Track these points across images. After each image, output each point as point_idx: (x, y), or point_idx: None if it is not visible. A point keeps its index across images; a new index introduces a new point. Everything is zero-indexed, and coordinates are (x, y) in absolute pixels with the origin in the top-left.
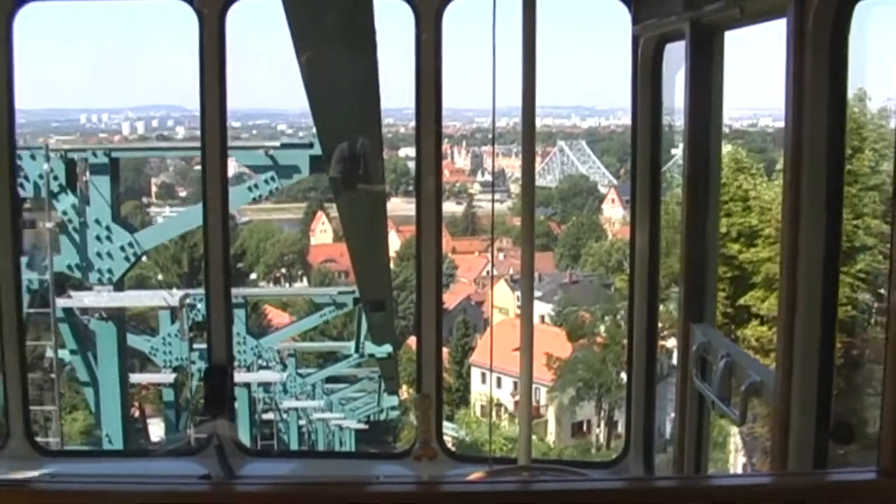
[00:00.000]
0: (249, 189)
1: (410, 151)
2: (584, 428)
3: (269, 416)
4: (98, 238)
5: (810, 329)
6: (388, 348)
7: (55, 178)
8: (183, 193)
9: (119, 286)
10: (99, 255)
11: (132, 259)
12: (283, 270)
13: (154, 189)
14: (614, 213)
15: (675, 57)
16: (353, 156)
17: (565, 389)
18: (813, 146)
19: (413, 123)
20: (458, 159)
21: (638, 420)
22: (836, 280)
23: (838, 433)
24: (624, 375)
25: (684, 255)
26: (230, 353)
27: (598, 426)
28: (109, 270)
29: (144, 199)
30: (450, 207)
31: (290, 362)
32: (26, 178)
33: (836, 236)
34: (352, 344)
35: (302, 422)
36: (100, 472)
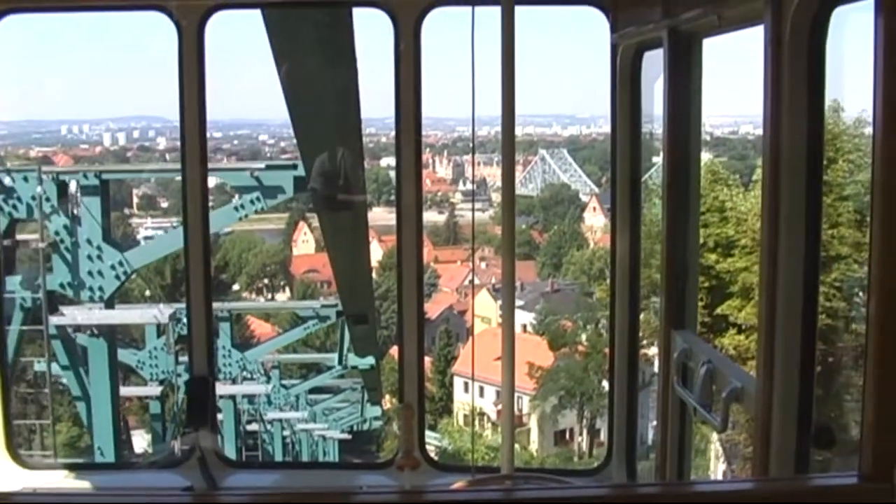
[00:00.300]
0: (236, 209)
1: (392, 161)
2: (567, 436)
3: (254, 427)
4: (89, 257)
5: (791, 335)
6: (370, 360)
7: (47, 199)
8: (164, 204)
9: (110, 303)
10: (90, 273)
11: (122, 277)
12: (266, 281)
13: (136, 200)
14: (596, 222)
15: (655, 64)
16: (334, 167)
17: (547, 398)
18: (792, 153)
19: (394, 133)
20: (439, 168)
21: (620, 427)
22: (816, 287)
23: (819, 438)
24: (605, 384)
25: (665, 262)
26: (212, 365)
27: (580, 434)
28: (100, 288)
29: (126, 211)
30: (432, 217)
31: (273, 374)
32: (19, 199)
33: (816, 243)
34: (335, 356)
35: (286, 433)
36: (83, 485)
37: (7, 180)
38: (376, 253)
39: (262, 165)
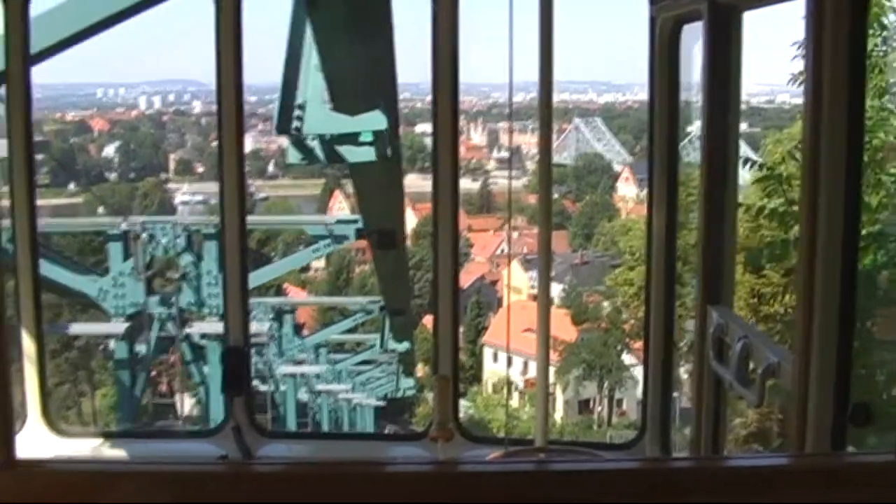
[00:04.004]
0: (314, 251)
1: (427, 127)
2: (590, 406)
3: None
4: (208, 284)
5: (829, 310)
6: (406, 345)
7: (180, 242)
8: (201, 169)
9: (224, 318)
10: (209, 295)
11: None
12: (301, 248)
13: (172, 165)
14: (628, 192)
15: (694, 36)
16: (355, 46)
17: (570, 370)
18: (832, 126)
19: (430, 98)
20: (474, 135)
21: (655, 402)
22: (855, 262)
23: (856, 415)
24: (625, 358)
25: (702, 236)
26: (247, 335)
27: (600, 404)
28: (217, 307)
29: (162, 176)
30: (465, 184)
31: (322, 352)
32: (158, 243)
33: (856, 218)
34: (375, 336)
35: (328, 401)
36: (117, 453)
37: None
38: (410, 220)
39: (334, 220)
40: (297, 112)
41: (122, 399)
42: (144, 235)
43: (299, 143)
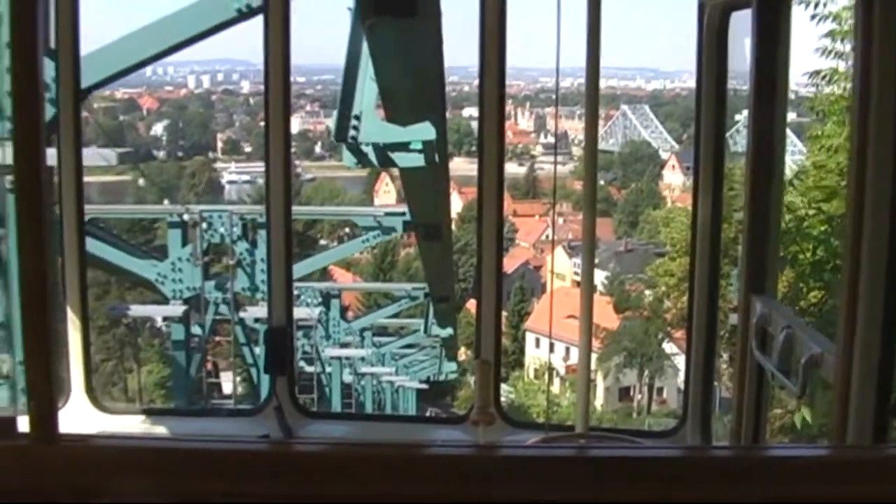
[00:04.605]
0: (363, 241)
1: (474, 111)
2: (630, 393)
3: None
4: (262, 270)
5: (873, 302)
6: (450, 330)
7: (236, 230)
8: (248, 149)
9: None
10: (263, 281)
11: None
12: (347, 230)
13: (220, 145)
14: (674, 180)
15: (743, 24)
16: (414, 105)
17: (611, 357)
18: (880, 117)
19: (477, 82)
20: (521, 120)
21: (696, 391)
22: None
23: None
24: (666, 346)
25: (747, 226)
26: (290, 315)
27: (640, 392)
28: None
29: (210, 155)
30: (511, 169)
31: (366, 335)
32: (216, 230)
33: None
34: (419, 321)
35: (373, 383)
36: (159, 430)
37: (207, 217)
38: (456, 204)
39: (383, 213)
40: (353, 122)
41: (177, 378)
42: (203, 224)
43: (355, 148)
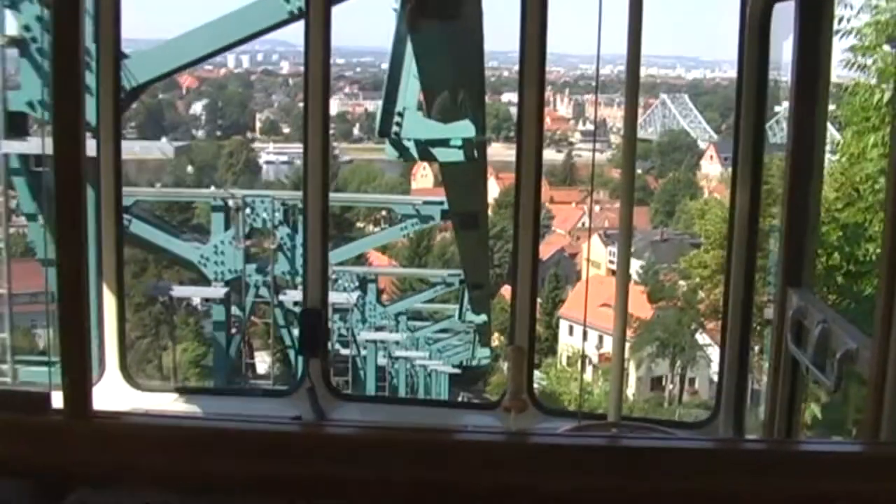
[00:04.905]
0: (402, 229)
1: (512, 97)
2: (662, 383)
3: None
4: (302, 254)
5: None
6: (483, 317)
7: (277, 216)
8: (286, 130)
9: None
10: (302, 265)
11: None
12: (384, 213)
13: (258, 125)
14: (712, 170)
15: (785, 16)
16: (455, 105)
17: (643, 347)
18: None
19: (517, 68)
20: (560, 107)
21: (730, 383)
22: None
23: None
24: (699, 337)
25: (786, 218)
26: (325, 297)
27: (672, 382)
28: None
29: (248, 135)
30: (549, 155)
31: (401, 319)
32: (258, 215)
33: None
34: (454, 307)
35: (407, 367)
36: (192, 409)
37: (250, 202)
38: (493, 190)
39: (421, 202)
40: (396, 118)
41: (217, 358)
42: (247, 210)
43: (397, 143)
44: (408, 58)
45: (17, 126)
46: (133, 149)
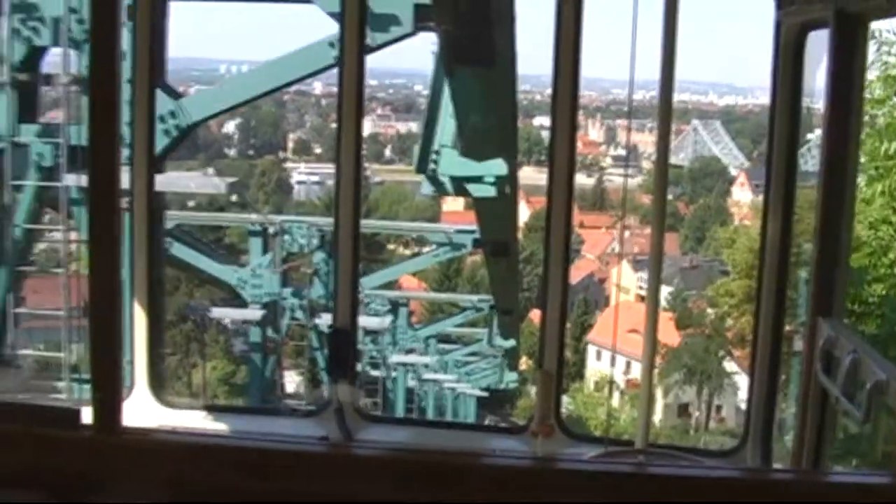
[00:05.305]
0: (434, 256)
1: (544, 120)
2: (688, 410)
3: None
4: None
5: None
6: (512, 342)
7: (314, 241)
8: (318, 150)
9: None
10: None
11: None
12: (413, 236)
13: (290, 145)
14: (743, 197)
15: (819, 43)
16: (488, 142)
17: (671, 374)
18: None
19: (549, 91)
20: (591, 131)
21: (758, 412)
22: None
23: None
24: (727, 365)
25: (817, 247)
26: (354, 318)
27: (698, 409)
28: None
29: (280, 155)
30: (580, 180)
31: (431, 342)
32: (294, 240)
33: None
34: (484, 331)
35: (435, 389)
36: (219, 427)
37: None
38: (523, 213)
39: (453, 230)
40: (433, 156)
41: (253, 378)
42: (286, 236)
43: (434, 179)
44: (444, 99)
45: (79, 159)
46: (189, 184)
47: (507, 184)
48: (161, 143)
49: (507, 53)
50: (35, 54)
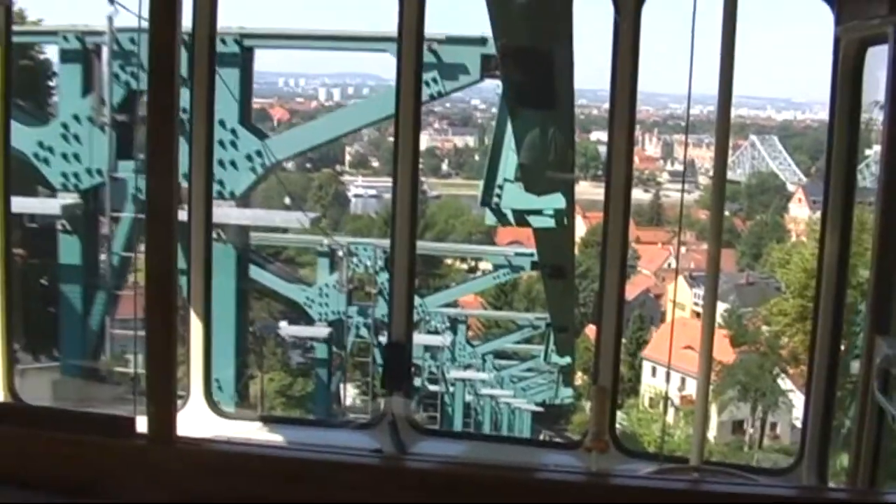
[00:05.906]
0: (494, 278)
1: (601, 135)
2: (743, 427)
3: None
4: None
5: None
6: (568, 359)
7: (379, 263)
8: (375, 164)
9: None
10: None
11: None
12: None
13: (348, 158)
14: (800, 213)
15: (879, 59)
16: (545, 143)
17: (725, 391)
18: None
19: (606, 106)
20: (648, 146)
21: (814, 430)
22: None
23: None
24: (781, 382)
25: (875, 263)
26: (410, 331)
27: (752, 426)
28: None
29: (338, 168)
30: (636, 195)
31: (488, 358)
32: (360, 260)
33: None
34: (540, 347)
35: (491, 404)
36: (274, 438)
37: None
38: (579, 229)
39: (513, 253)
40: (497, 191)
41: (319, 392)
42: (354, 259)
43: (497, 210)
44: (507, 136)
45: None
46: (274, 219)
47: (565, 215)
48: (248, 180)
49: (566, 96)
50: (133, 97)
